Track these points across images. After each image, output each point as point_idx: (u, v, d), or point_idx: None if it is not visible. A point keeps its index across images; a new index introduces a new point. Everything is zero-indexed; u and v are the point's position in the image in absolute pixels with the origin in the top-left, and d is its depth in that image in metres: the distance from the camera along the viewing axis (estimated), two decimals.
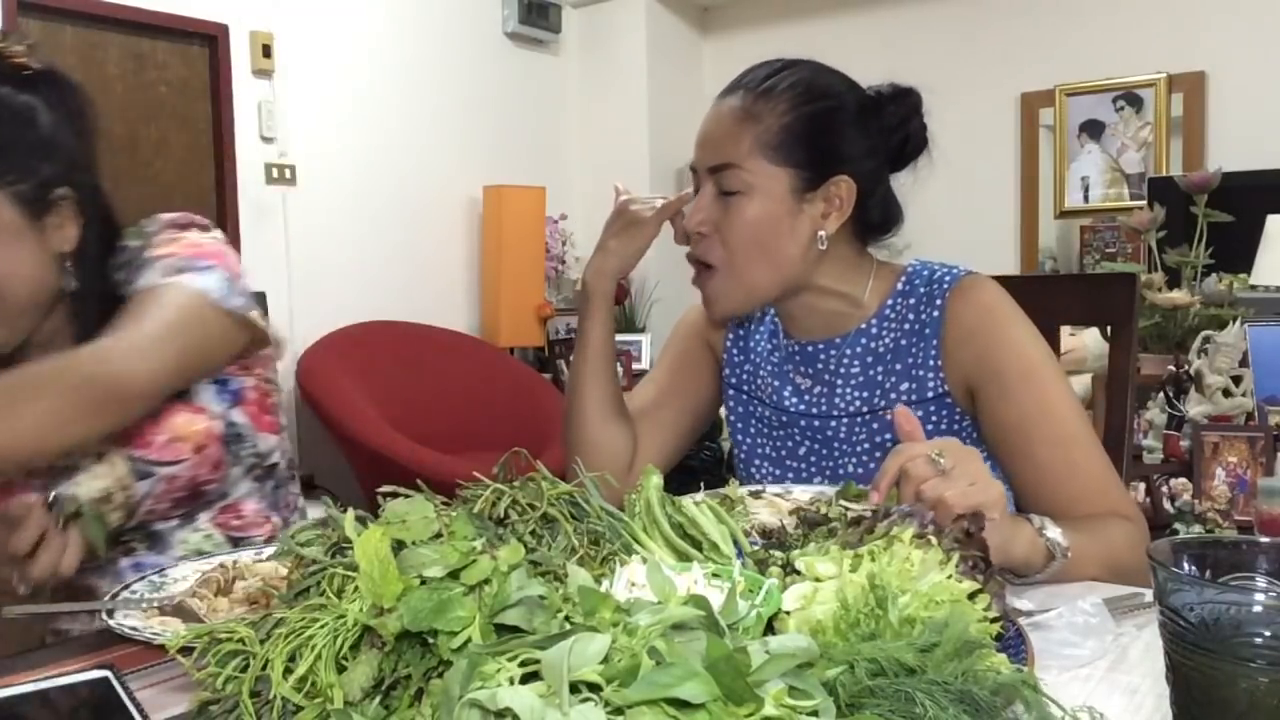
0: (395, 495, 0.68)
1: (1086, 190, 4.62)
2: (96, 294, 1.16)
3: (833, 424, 1.20)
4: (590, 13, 5.43)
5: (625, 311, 5.15)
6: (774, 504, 0.97)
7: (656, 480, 0.77)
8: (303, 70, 4.25)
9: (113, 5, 3.69)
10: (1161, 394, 2.26)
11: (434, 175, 4.68)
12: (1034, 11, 4.61)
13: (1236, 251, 2.90)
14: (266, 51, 4.12)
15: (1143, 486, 2.09)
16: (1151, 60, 4.35)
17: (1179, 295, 2.48)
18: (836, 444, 1.21)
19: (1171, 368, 2.27)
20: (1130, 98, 4.46)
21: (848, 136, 1.15)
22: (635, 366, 5.27)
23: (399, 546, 0.60)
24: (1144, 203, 3.52)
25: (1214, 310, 2.49)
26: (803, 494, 1.02)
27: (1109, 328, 1.41)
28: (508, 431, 4.02)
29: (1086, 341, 2.35)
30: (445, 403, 4.33)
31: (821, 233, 1.15)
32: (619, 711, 0.46)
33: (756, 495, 1.01)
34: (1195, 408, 2.18)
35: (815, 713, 0.49)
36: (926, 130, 1.20)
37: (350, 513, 0.65)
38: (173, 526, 1.21)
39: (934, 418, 1.15)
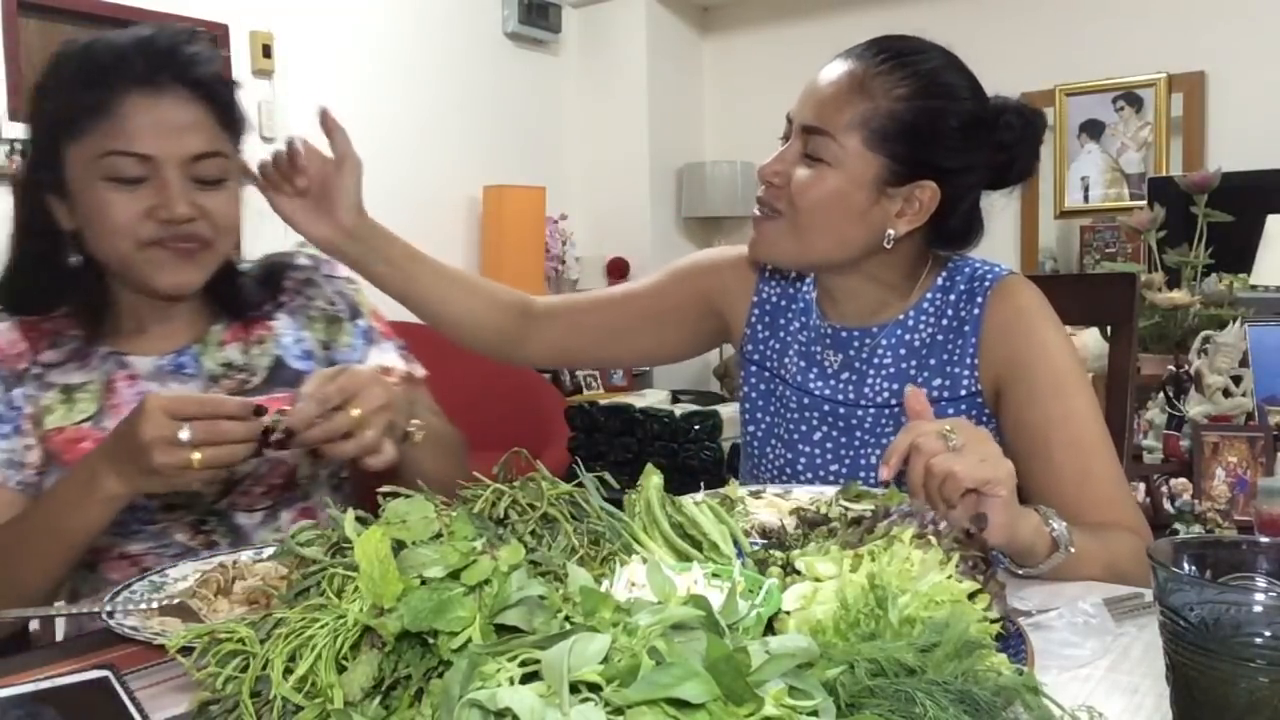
0: (395, 495, 0.68)
1: (1086, 190, 4.62)
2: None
3: (859, 412, 1.19)
4: (590, 13, 5.43)
5: None
6: (774, 504, 0.97)
7: (656, 480, 0.77)
8: (303, 70, 4.25)
9: (113, 5, 3.69)
10: (1161, 394, 2.25)
11: (434, 175, 4.67)
12: (1034, 11, 4.61)
13: (1236, 251, 2.89)
14: (266, 51, 4.12)
15: (1143, 486, 2.09)
16: (1151, 60, 4.35)
17: (1179, 295, 2.48)
18: (860, 433, 1.19)
19: (1171, 368, 2.27)
20: (1130, 98, 4.46)
21: (950, 144, 1.10)
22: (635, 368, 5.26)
23: (399, 546, 0.60)
24: (1144, 203, 3.51)
25: (1214, 310, 2.49)
26: (803, 494, 1.02)
27: (1109, 328, 1.41)
28: (508, 431, 4.02)
29: (1086, 341, 2.34)
30: (445, 403, 4.32)
31: (890, 231, 1.12)
32: (619, 711, 0.46)
33: (757, 495, 1.01)
34: (1195, 408, 2.18)
35: (815, 713, 0.49)
36: (1038, 160, 1.17)
37: (350, 513, 0.65)
38: (255, 523, 1.19)
39: (964, 416, 1.13)
